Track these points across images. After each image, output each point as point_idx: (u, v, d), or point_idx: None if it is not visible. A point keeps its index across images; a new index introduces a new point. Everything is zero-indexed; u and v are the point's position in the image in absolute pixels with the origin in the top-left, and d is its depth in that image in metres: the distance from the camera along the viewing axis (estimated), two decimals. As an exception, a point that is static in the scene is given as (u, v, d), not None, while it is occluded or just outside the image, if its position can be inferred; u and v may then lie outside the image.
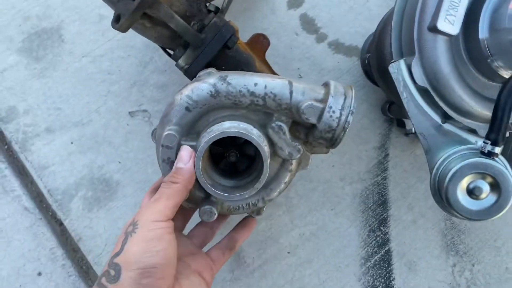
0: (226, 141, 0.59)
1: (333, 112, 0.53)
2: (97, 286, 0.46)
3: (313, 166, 0.81)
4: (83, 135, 0.83)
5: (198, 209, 0.57)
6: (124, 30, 0.57)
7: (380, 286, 0.78)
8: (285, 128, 0.56)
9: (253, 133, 0.53)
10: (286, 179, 0.60)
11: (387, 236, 0.78)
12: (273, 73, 0.74)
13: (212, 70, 0.58)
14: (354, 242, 0.78)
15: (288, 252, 0.78)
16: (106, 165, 0.81)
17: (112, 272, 0.45)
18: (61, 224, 0.80)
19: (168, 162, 0.55)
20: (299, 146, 0.56)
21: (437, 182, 0.51)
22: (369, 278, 0.78)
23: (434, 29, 0.51)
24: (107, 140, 0.83)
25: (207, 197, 0.58)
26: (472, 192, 0.49)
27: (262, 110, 0.56)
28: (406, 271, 0.77)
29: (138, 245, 0.47)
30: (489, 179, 0.48)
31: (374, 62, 0.71)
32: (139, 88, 0.85)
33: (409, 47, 0.56)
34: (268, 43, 0.74)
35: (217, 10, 0.68)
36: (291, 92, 0.55)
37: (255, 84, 0.54)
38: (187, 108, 0.55)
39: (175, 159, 0.54)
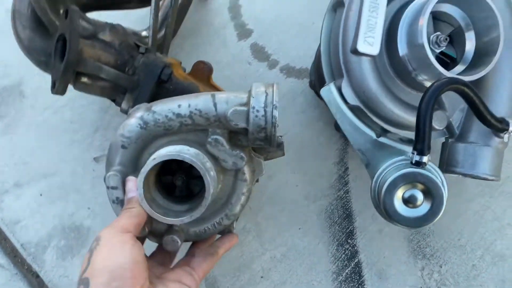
0: (173, 167, 0.61)
1: (257, 111, 0.54)
2: None
3: (278, 188, 0.83)
4: (52, 186, 0.84)
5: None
6: (61, 92, 0.61)
7: (356, 298, 0.80)
8: (222, 139, 0.57)
9: (185, 153, 0.53)
10: (244, 190, 0.61)
11: (355, 248, 0.80)
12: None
13: (141, 105, 0.59)
14: (324, 258, 0.80)
15: (262, 277, 0.80)
16: (76, 213, 0.83)
17: (81, 287, 0.45)
18: (37, 276, 0.81)
19: (118, 202, 0.57)
20: (241, 154, 0.57)
21: (376, 194, 0.54)
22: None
23: (356, 51, 0.54)
24: (75, 187, 0.84)
25: (169, 227, 0.59)
26: (408, 201, 0.51)
27: (195, 129, 0.57)
28: (377, 281, 0.79)
29: (102, 253, 0.47)
30: (422, 187, 0.51)
31: (317, 84, 0.74)
32: (102, 133, 0.87)
33: (338, 70, 0.59)
34: (210, 68, 0.75)
35: (146, 50, 0.71)
36: (215, 104, 0.56)
37: (179, 106, 0.56)
38: (123, 146, 0.57)
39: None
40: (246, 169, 0.60)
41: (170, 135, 0.58)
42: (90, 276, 0.46)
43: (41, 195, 0.84)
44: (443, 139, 0.62)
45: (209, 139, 0.57)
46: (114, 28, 0.67)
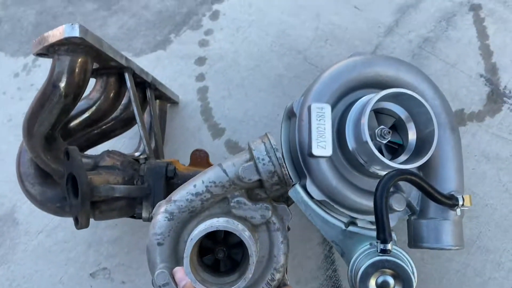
0: (211, 246, 0.65)
1: (263, 159, 0.60)
2: None
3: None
4: (51, 309, 0.87)
5: None
6: (85, 226, 0.66)
7: None
8: (243, 199, 0.62)
9: (216, 224, 0.57)
10: (281, 239, 0.64)
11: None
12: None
13: (160, 202, 0.64)
14: None
15: None
16: (78, 332, 0.85)
17: None
18: None
19: None
20: (265, 205, 0.62)
21: (353, 283, 0.59)
22: None
23: (312, 155, 0.62)
24: (74, 307, 0.87)
25: None
26: (381, 287, 0.56)
27: (215, 201, 0.62)
28: None
29: None
30: (391, 272, 0.56)
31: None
32: (95, 248, 0.92)
33: (301, 170, 0.66)
34: (206, 153, 0.84)
35: (145, 159, 0.78)
36: (224, 171, 0.62)
37: (194, 186, 0.62)
38: (159, 244, 0.61)
39: None
40: (274, 218, 0.63)
41: (196, 216, 0.62)
42: None
43: (42, 320, 0.86)
44: (406, 217, 0.68)
45: (232, 204, 0.62)
46: (110, 153, 0.75)
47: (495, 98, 0.98)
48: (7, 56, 1.15)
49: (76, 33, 0.59)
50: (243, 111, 1.02)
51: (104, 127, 0.79)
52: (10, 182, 0.97)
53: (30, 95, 1.08)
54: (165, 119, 1.01)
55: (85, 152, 0.79)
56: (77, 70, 0.63)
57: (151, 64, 1.08)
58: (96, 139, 0.79)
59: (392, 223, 0.65)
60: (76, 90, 0.63)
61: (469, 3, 1.10)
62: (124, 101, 0.81)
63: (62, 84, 0.61)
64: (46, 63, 1.03)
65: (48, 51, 0.63)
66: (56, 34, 0.60)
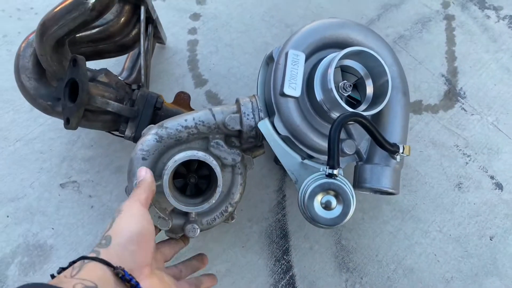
0: (182, 172, 0.75)
1: (248, 115, 0.72)
2: (92, 252, 0.51)
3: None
4: (18, 208, 0.93)
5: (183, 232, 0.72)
6: (74, 127, 0.73)
7: (292, 310, 0.91)
8: (221, 142, 0.73)
9: (198, 155, 0.68)
10: (241, 181, 0.76)
11: (290, 263, 0.92)
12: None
13: (152, 125, 0.74)
14: (263, 272, 0.91)
15: (209, 289, 0.90)
16: (40, 232, 0.91)
17: (103, 241, 0.52)
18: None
19: None
20: (238, 151, 0.74)
21: (302, 203, 0.68)
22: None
23: (283, 94, 0.71)
24: (40, 210, 0.93)
25: (186, 221, 0.72)
26: (325, 206, 0.66)
27: (199, 137, 0.73)
28: (308, 291, 0.91)
29: (124, 219, 0.54)
30: (334, 194, 0.65)
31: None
32: (68, 163, 0.98)
33: (271, 109, 0.75)
34: (189, 96, 0.92)
35: (139, 86, 0.86)
36: (213, 115, 0.72)
37: (185, 120, 0.72)
38: (143, 158, 0.70)
39: None
40: (240, 164, 0.75)
41: (179, 145, 0.72)
42: (112, 235, 0.52)
43: (7, 216, 0.92)
44: (354, 163, 0.78)
45: (211, 143, 0.73)
46: (108, 72, 0.82)
47: (451, 96, 1.11)
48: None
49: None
50: (227, 68, 1.11)
51: (101, 46, 0.86)
52: (-4, 90, 1.02)
53: (28, 17, 1.13)
54: (151, 55, 1.08)
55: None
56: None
57: (148, 11, 1.15)
58: (91, 54, 0.86)
59: (342, 165, 0.76)
60: (102, 9, 0.70)
61: (444, 12, 1.23)
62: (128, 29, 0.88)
63: (93, 0, 0.68)
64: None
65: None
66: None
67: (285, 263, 0.92)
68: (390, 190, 0.73)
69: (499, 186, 1.01)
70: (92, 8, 0.69)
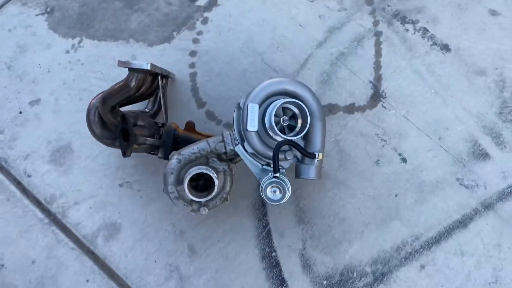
0: (194, 177, 1.25)
1: (228, 143, 1.23)
2: None
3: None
4: (96, 202, 1.49)
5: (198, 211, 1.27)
6: (129, 156, 1.26)
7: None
8: (215, 159, 1.25)
9: (203, 168, 1.21)
10: (230, 179, 1.26)
11: (267, 221, 1.47)
12: (207, 136, 1.41)
13: (174, 152, 1.25)
14: (250, 228, 1.47)
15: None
16: (112, 216, 1.48)
17: None
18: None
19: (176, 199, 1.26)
20: (225, 163, 1.25)
21: (261, 191, 1.20)
22: (263, 246, 1.47)
23: (247, 131, 1.22)
24: (109, 202, 1.49)
25: (199, 205, 1.25)
26: (274, 192, 1.18)
27: (202, 157, 1.24)
28: (278, 238, 1.46)
29: None
30: (277, 186, 1.18)
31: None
32: (122, 170, 1.51)
33: (242, 137, 1.26)
34: (193, 123, 1.41)
35: (163, 124, 1.37)
36: (208, 144, 1.24)
37: (193, 149, 1.23)
38: (171, 173, 1.23)
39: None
40: (228, 170, 1.27)
41: (191, 163, 1.24)
42: None
43: (90, 207, 1.48)
44: (295, 163, 1.30)
45: (209, 160, 1.25)
46: (144, 116, 1.33)
47: (375, 98, 1.57)
48: (59, 37, 1.65)
49: (148, 67, 1.18)
50: (219, 92, 1.58)
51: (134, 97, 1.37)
52: (67, 122, 1.55)
53: (77, 67, 1.62)
54: (166, 90, 1.58)
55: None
56: (142, 79, 1.21)
57: (159, 53, 1.59)
58: (126, 102, 1.37)
59: (286, 166, 1.27)
60: (139, 87, 1.21)
61: (374, 29, 1.63)
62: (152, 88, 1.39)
63: (133, 84, 1.19)
64: (88, 45, 1.60)
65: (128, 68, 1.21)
66: (137, 64, 1.18)
67: (264, 222, 1.47)
68: (315, 178, 1.26)
69: (404, 160, 1.51)
70: (134, 89, 1.20)
